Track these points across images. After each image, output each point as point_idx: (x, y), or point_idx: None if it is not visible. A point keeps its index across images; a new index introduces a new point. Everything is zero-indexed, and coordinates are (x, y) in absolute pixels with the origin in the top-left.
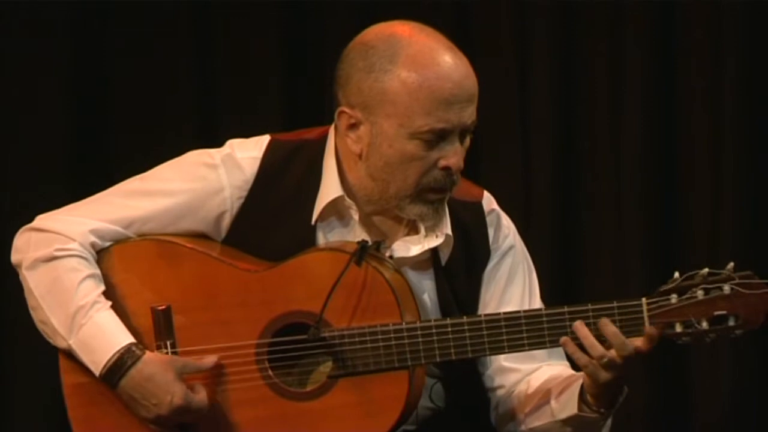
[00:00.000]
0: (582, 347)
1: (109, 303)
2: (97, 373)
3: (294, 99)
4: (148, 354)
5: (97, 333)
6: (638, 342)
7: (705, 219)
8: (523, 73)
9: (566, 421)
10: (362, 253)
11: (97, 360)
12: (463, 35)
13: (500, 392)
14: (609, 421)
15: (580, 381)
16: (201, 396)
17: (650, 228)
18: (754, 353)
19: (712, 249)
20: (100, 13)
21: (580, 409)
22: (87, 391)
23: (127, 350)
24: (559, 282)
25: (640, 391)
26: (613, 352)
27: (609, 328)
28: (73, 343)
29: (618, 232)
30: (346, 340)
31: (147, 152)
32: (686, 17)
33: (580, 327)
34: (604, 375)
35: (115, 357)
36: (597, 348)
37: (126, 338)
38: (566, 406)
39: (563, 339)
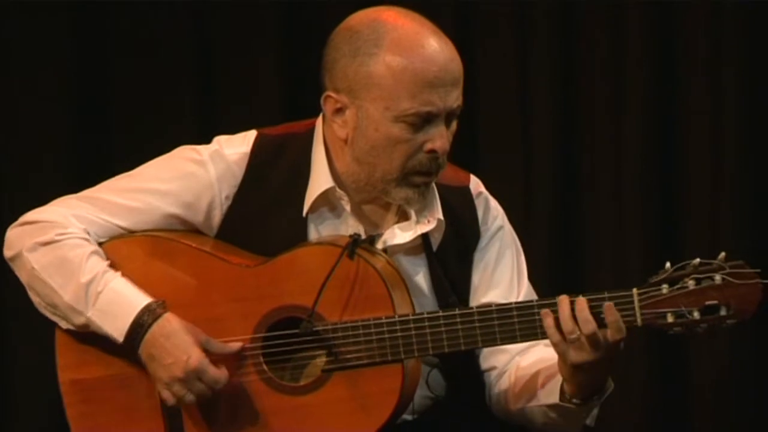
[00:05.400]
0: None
1: (120, 272)
2: (121, 339)
3: (294, 98)
4: (169, 313)
5: (116, 298)
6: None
7: (704, 213)
8: (524, 65)
9: (549, 408)
10: (354, 246)
11: (120, 326)
12: (463, 31)
13: (493, 373)
14: (595, 412)
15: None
16: (217, 372)
17: (650, 221)
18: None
19: (712, 243)
20: (101, 11)
21: (560, 398)
22: (83, 389)
23: (147, 309)
24: (559, 275)
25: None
26: (582, 335)
27: (611, 312)
28: (92, 315)
29: (618, 225)
30: (340, 334)
31: (147, 151)
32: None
33: (563, 301)
34: (573, 356)
35: (135, 318)
36: (568, 324)
37: (144, 299)
38: (550, 394)
39: (543, 311)
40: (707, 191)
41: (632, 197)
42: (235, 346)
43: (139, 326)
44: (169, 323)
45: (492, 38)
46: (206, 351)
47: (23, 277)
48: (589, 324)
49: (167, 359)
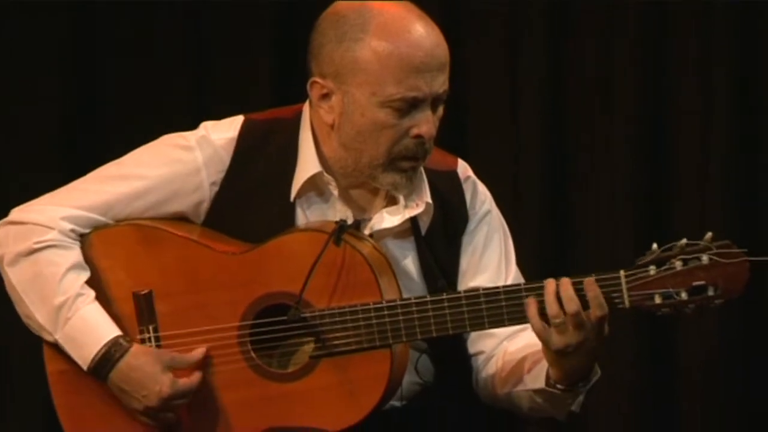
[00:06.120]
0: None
1: (93, 294)
2: (85, 367)
3: (290, 100)
4: (135, 346)
5: (84, 327)
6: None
7: (694, 201)
8: (515, 54)
9: (535, 393)
10: (341, 232)
11: (85, 354)
12: (453, 18)
13: (480, 358)
14: (581, 398)
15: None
16: (188, 383)
17: (640, 217)
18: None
19: (701, 230)
20: (98, 11)
21: (546, 383)
22: (71, 379)
23: (114, 343)
24: (549, 271)
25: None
26: (567, 315)
27: (592, 287)
28: (60, 338)
29: (608, 213)
30: (327, 320)
31: (138, 142)
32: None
33: (549, 284)
34: (556, 340)
35: (103, 350)
36: (553, 307)
37: (112, 331)
38: (536, 379)
39: (528, 300)
40: (696, 189)
41: (622, 194)
42: (199, 351)
43: (107, 360)
44: (136, 357)
45: (482, 37)
46: (174, 369)
47: (5, 284)
48: (572, 302)
49: (141, 392)
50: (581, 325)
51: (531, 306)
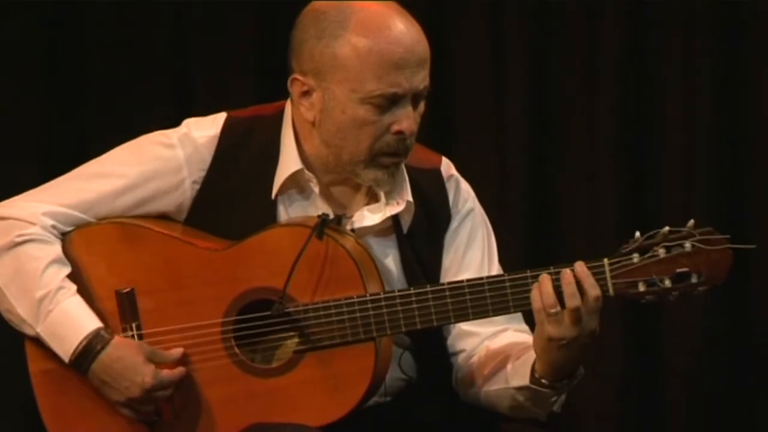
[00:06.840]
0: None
1: (75, 287)
2: (66, 359)
3: (270, 80)
4: (117, 338)
5: (64, 320)
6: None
7: (677, 186)
8: (500, 51)
9: (518, 390)
10: (323, 226)
11: (66, 347)
12: (438, 16)
13: (461, 356)
14: (562, 398)
15: None
16: (171, 374)
17: (624, 198)
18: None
19: (684, 217)
20: (80, 1)
21: (531, 380)
22: (54, 379)
23: (96, 335)
24: (532, 259)
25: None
26: (566, 310)
27: (583, 270)
28: (41, 331)
29: (594, 211)
30: (311, 314)
31: (121, 136)
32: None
33: (544, 280)
34: (551, 329)
35: (84, 342)
36: (549, 299)
37: (93, 323)
38: (519, 375)
39: (542, 276)
40: (680, 164)
41: (608, 192)
42: (177, 351)
43: (88, 352)
44: (118, 348)
45: (468, 34)
46: (154, 362)
47: None
48: (574, 298)
49: (122, 383)
50: (579, 318)
51: (536, 290)
